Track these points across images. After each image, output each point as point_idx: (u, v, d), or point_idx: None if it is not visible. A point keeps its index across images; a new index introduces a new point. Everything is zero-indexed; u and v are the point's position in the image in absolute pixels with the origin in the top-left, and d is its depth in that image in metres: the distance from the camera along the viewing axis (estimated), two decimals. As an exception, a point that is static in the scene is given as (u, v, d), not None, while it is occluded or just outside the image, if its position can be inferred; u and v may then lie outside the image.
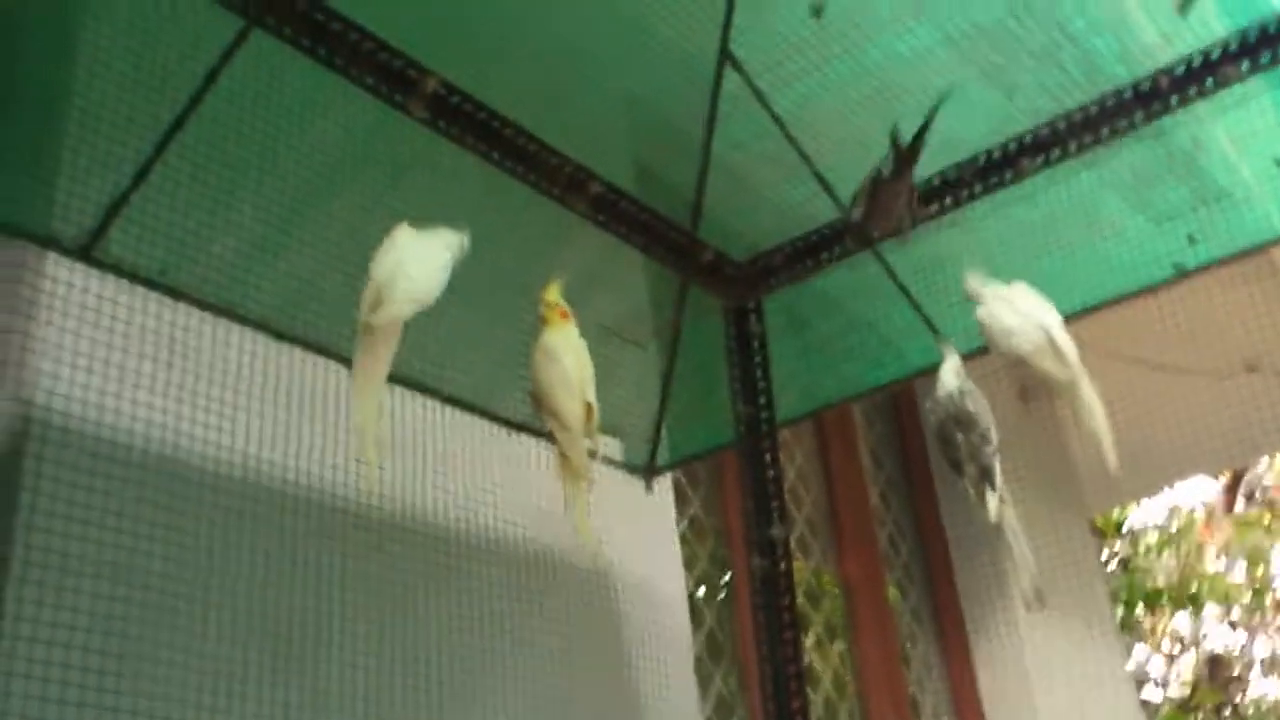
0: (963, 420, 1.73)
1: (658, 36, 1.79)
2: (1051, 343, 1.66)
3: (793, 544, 2.38)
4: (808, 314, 2.29)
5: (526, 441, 2.10)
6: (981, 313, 1.72)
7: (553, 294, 1.62)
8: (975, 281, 1.76)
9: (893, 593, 3.57)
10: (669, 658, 2.44)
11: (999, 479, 1.70)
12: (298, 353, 1.82)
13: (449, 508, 2.11)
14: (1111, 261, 1.99)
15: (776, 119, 1.90)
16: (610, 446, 2.32)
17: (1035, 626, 3.58)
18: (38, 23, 1.51)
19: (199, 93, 1.53)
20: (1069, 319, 1.70)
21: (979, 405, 1.76)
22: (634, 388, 2.24)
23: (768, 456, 2.20)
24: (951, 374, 1.78)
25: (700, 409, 2.37)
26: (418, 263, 1.41)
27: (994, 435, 1.74)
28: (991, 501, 1.70)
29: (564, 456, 1.63)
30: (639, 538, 2.47)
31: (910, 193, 1.68)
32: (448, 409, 2.05)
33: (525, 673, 2.10)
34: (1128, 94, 1.83)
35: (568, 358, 1.62)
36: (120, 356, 1.66)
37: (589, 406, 1.63)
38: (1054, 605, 3.24)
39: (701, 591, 2.89)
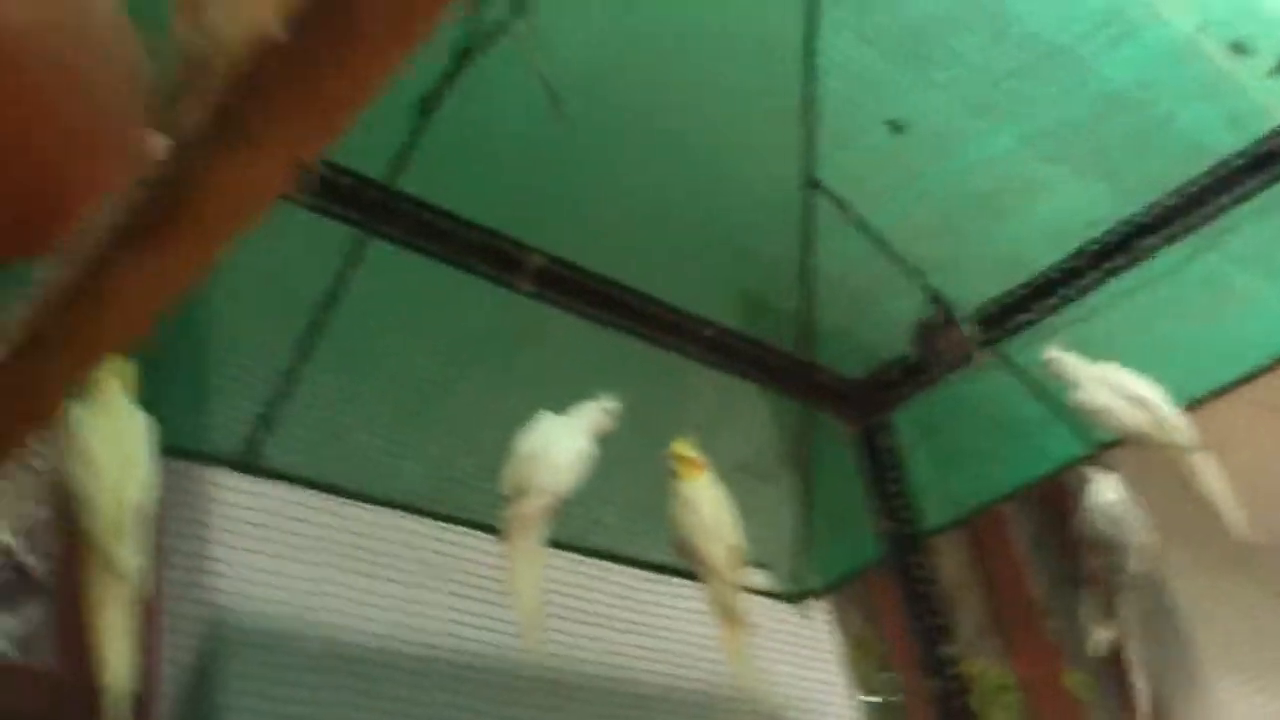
0: (1100, 541, 1.71)
1: (743, 173, 1.85)
2: (1152, 416, 1.63)
3: (960, 647, 2.34)
4: (939, 421, 2.28)
5: (674, 583, 2.14)
6: (1079, 396, 1.71)
7: (682, 447, 1.66)
8: (1062, 362, 1.75)
9: (1077, 681, 3.45)
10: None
11: (1124, 609, 1.66)
12: (450, 529, 1.89)
13: (611, 658, 2.15)
14: (1249, 333, 1.95)
15: (873, 235, 1.93)
16: (760, 578, 2.34)
17: (1236, 701, 3.43)
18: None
19: (326, 304, 1.63)
20: (1214, 395, 1.68)
21: (1126, 524, 1.73)
22: (775, 517, 2.26)
23: (920, 572, 2.18)
24: (1100, 490, 1.77)
25: (844, 529, 2.36)
26: (559, 451, 1.47)
27: (1133, 561, 1.70)
28: (1102, 632, 1.66)
29: (716, 604, 1.65)
30: (801, 665, 2.47)
31: (960, 334, 1.71)
32: (592, 561, 2.10)
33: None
34: (1238, 162, 1.79)
35: (706, 507, 1.66)
36: (289, 552, 1.76)
37: (735, 550, 1.66)
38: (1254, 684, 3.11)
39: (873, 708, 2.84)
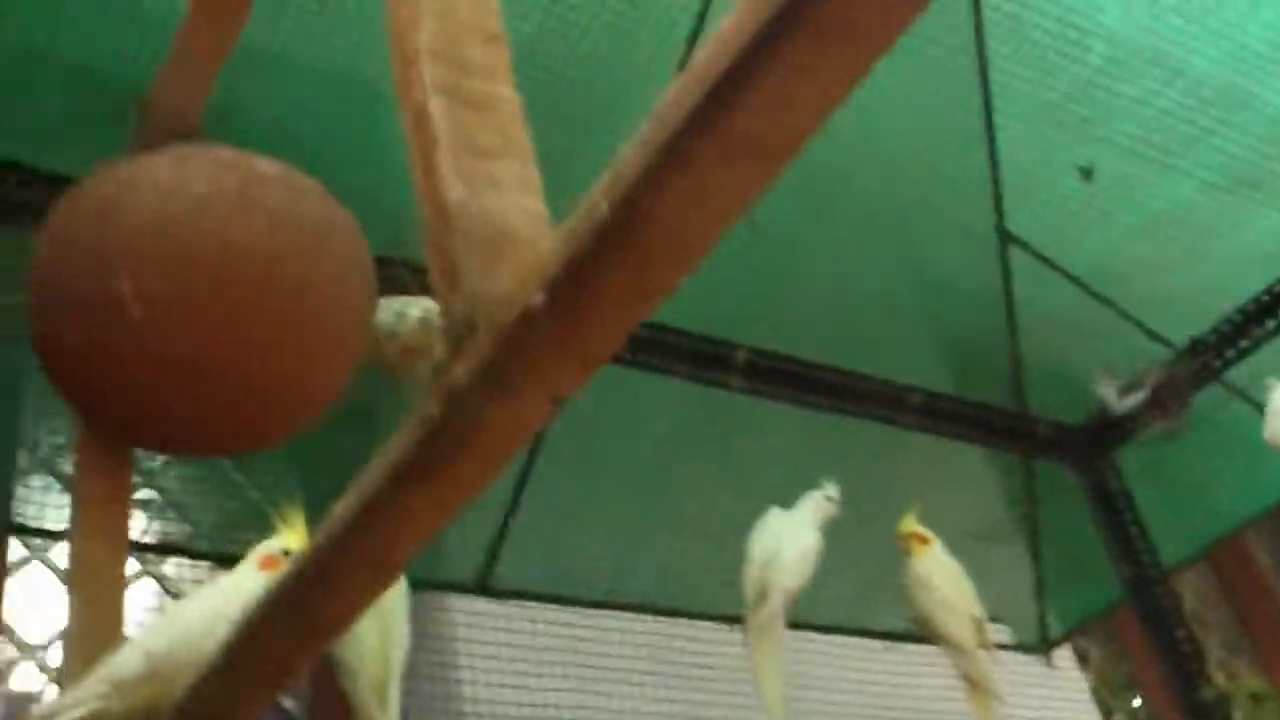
0: None
1: (936, 237, 1.85)
2: None
3: (1213, 664, 2.27)
4: (1165, 455, 2.22)
5: (906, 649, 2.13)
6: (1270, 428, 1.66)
7: (909, 524, 1.66)
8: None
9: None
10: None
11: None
12: (679, 623, 1.93)
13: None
14: None
15: (1075, 280, 1.90)
16: (1001, 633, 2.30)
17: None
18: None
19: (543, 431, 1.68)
20: None
21: None
22: (1010, 571, 2.23)
23: (1165, 607, 2.12)
24: None
25: (1081, 574, 2.31)
26: (792, 549, 1.48)
27: None
28: None
29: (966, 676, 1.64)
30: (1053, 713, 2.42)
31: (1182, 370, 1.68)
32: (818, 636, 2.10)
33: None
34: None
35: (941, 581, 1.65)
36: (527, 666, 1.82)
37: (975, 620, 1.64)
38: None
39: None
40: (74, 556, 1.17)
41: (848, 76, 0.51)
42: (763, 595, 1.47)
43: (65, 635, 1.14)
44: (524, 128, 0.72)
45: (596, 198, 0.56)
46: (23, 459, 1.74)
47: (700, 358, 1.73)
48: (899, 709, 2.19)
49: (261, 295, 1.12)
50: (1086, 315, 1.95)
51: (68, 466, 1.75)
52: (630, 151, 0.55)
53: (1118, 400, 1.83)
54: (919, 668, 2.16)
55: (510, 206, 0.67)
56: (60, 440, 1.70)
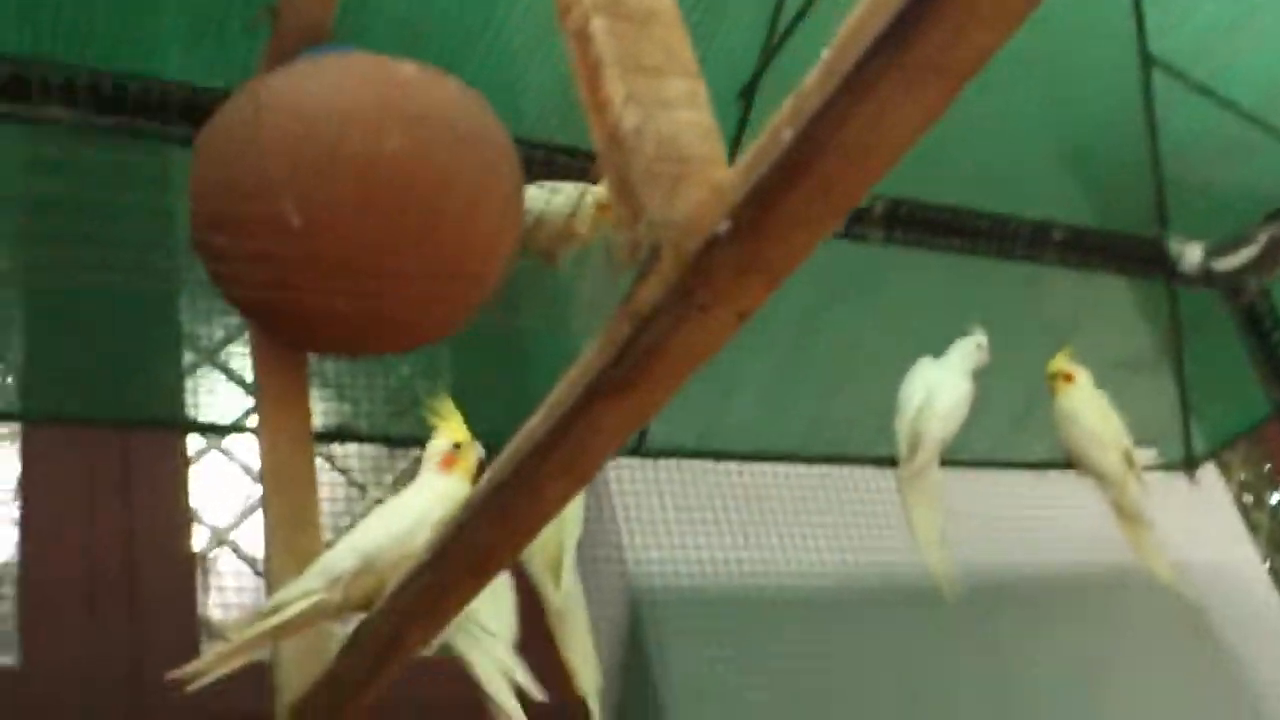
0: None
1: (1074, 64, 1.80)
2: None
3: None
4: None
5: (1052, 477, 2.14)
6: None
7: (1057, 363, 1.66)
8: None
9: None
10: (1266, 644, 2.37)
11: None
12: (832, 471, 1.97)
13: (1011, 560, 2.18)
14: None
15: (1220, 100, 1.85)
16: (1146, 455, 2.31)
17: None
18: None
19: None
20: None
21: None
22: (1155, 395, 2.22)
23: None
24: None
25: (1228, 393, 2.30)
26: (945, 398, 1.50)
27: None
28: None
29: (1117, 508, 1.66)
30: (1200, 531, 2.42)
31: None
32: (968, 472, 2.13)
33: (1133, 698, 2.11)
34: None
35: (1089, 416, 1.66)
36: (687, 521, 1.89)
37: (1126, 451, 1.65)
38: None
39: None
40: (265, 457, 1.24)
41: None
42: (915, 444, 1.49)
43: (265, 531, 1.21)
44: (685, 37, 0.73)
45: (779, 127, 0.57)
46: (188, 356, 1.81)
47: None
48: (1053, 539, 2.21)
49: (412, 196, 1.15)
50: (1233, 140, 1.90)
51: (232, 361, 1.83)
52: (812, 80, 0.56)
53: (1204, 260, 1.78)
54: (1069, 497, 2.18)
55: (682, 125, 0.68)
56: (220, 334, 1.77)
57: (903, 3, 0.51)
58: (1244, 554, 2.52)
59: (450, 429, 1.05)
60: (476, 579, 0.89)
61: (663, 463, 1.84)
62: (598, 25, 0.70)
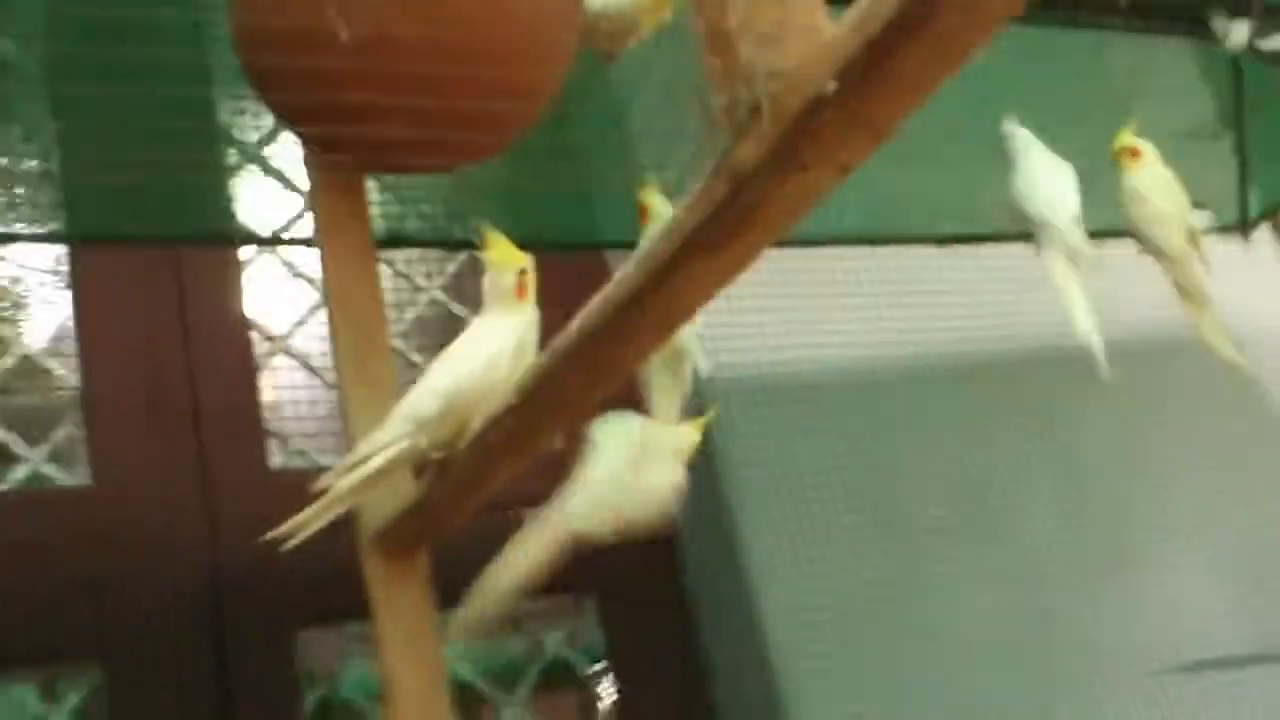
0: None
1: None
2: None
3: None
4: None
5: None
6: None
7: (1122, 139, 1.62)
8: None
9: None
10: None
11: None
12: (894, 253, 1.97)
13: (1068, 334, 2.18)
14: None
15: None
16: (1201, 218, 2.27)
17: None
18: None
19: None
20: None
21: None
22: (1212, 161, 2.16)
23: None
24: None
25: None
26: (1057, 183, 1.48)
27: None
28: None
29: (1179, 286, 1.64)
30: (1253, 294, 2.41)
31: None
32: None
33: (1186, 470, 2.14)
34: None
35: (1156, 195, 1.62)
36: (755, 305, 1.89)
37: (1193, 230, 1.63)
38: None
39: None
40: (329, 286, 1.23)
41: None
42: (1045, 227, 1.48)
43: (335, 362, 1.22)
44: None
45: (889, -15, 0.53)
46: (232, 156, 1.79)
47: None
48: (1110, 311, 2.20)
49: (466, 4, 1.11)
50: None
51: (275, 160, 1.80)
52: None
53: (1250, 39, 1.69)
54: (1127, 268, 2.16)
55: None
56: (264, 131, 1.74)
57: None
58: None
59: (506, 257, 1.02)
60: (562, 421, 0.90)
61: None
62: None
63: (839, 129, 0.60)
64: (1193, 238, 1.65)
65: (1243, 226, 2.32)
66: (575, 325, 0.79)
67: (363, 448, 0.96)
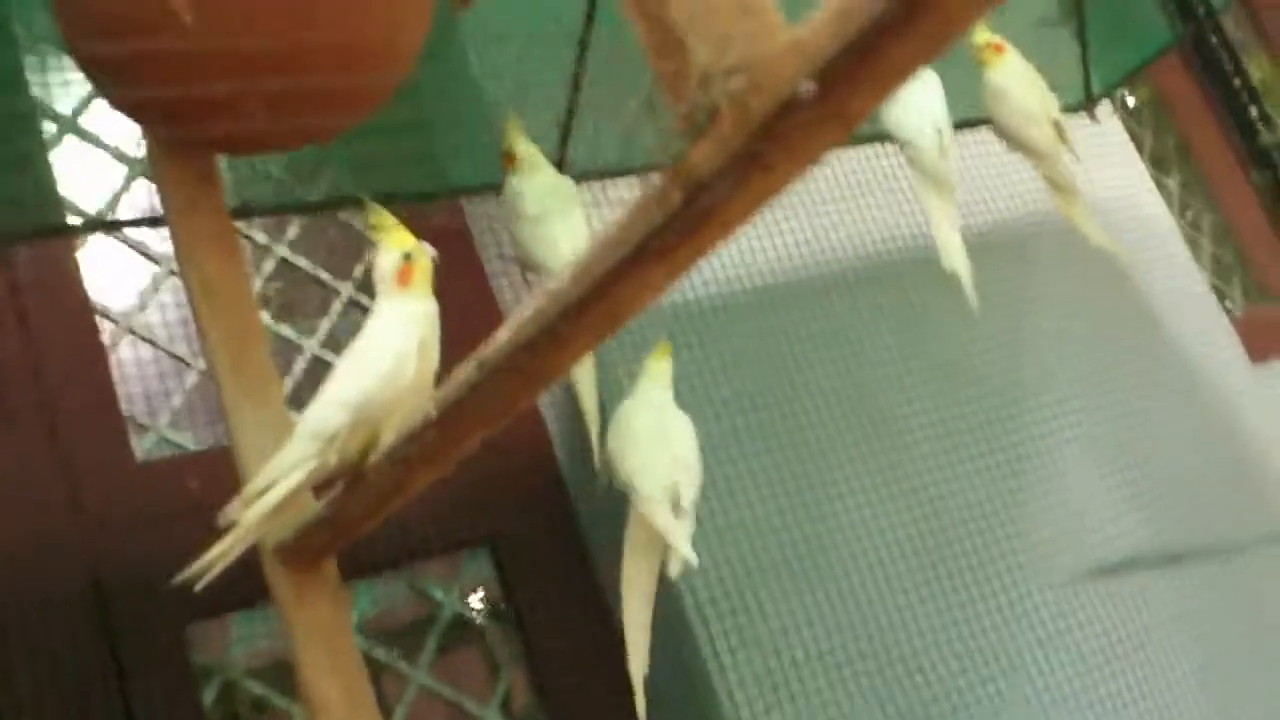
0: None
1: None
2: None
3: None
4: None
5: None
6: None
7: (980, 35, 1.59)
8: None
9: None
10: (1176, 273, 2.44)
11: None
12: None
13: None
14: None
15: None
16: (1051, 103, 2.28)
17: None
18: None
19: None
20: None
21: None
22: (1055, 42, 2.17)
23: (1222, 54, 2.08)
24: None
25: (1126, 30, 2.26)
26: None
27: None
28: None
29: (1049, 180, 1.64)
30: (1102, 168, 2.45)
31: None
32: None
33: (1066, 363, 2.18)
34: None
35: (1019, 91, 1.61)
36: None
37: (1055, 123, 1.62)
38: None
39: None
40: (190, 278, 1.13)
41: None
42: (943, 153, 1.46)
43: (206, 355, 1.13)
44: None
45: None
46: (48, 128, 1.66)
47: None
48: (972, 195, 2.20)
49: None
50: None
51: (94, 126, 1.67)
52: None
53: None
54: (987, 155, 2.16)
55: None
56: (80, 98, 1.61)
57: None
58: (1138, 178, 2.56)
59: (392, 238, 0.94)
60: (488, 429, 0.83)
61: (585, 186, 1.74)
62: None
63: (811, 128, 0.54)
64: (1059, 131, 1.64)
65: (1088, 106, 2.35)
66: (506, 337, 0.73)
67: (267, 472, 0.89)
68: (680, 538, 1.08)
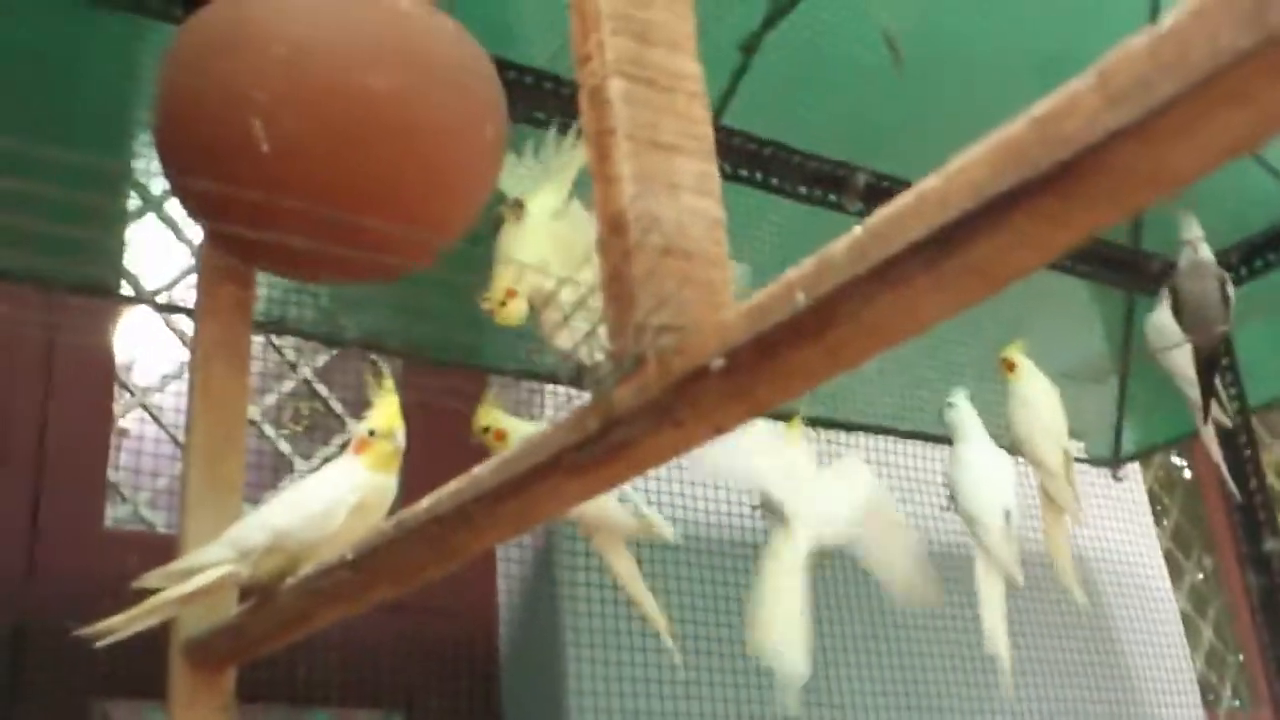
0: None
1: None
2: None
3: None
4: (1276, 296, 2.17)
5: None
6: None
7: (1013, 351, 1.66)
8: None
9: None
10: (1164, 653, 2.43)
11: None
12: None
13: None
14: None
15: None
16: (1075, 446, 2.33)
17: None
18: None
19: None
20: None
21: None
22: (1094, 393, 2.23)
23: (1245, 452, 2.12)
24: None
25: (1164, 403, 2.31)
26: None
27: None
28: None
29: (1046, 492, 1.67)
30: (1115, 531, 2.47)
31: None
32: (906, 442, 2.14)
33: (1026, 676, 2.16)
34: None
35: (1042, 405, 1.66)
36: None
37: (1066, 451, 1.67)
38: None
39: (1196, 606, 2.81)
40: (196, 371, 1.20)
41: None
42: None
43: (184, 458, 1.18)
44: (706, 111, 0.68)
45: (793, 286, 0.53)
46: (132, 203, 1.75)
47: (818, 178, 1.69)
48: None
49: (393, 136, 1.10)
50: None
51: (175, 213, 1.76)
52: (837, 254, 0.52)
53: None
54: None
55: (689, 215, 0.64)
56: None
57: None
58: (1147, 546, 2.57)
59: (378, 411, 1.01)
60: (396, 587, 0.87)
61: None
62: (615, 89, 0.65)
63: (719, 399, 0.59)
64: (1066, 457, 1.69)
65: (1114, 464, 2.39)
66: (425, 506, 0.77)
67: (189, 559, 0.93)
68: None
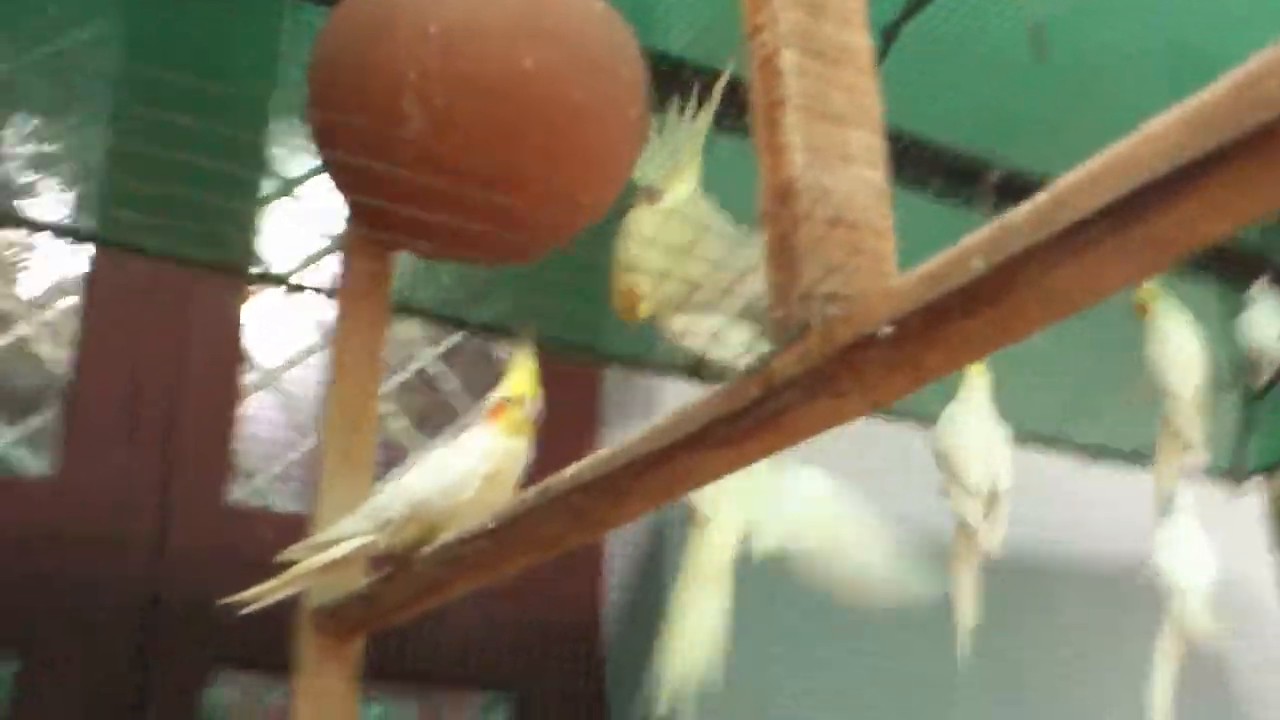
0: None
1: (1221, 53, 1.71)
2: None
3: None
4: None
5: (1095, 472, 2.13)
6: None
7: (1142, 293, 1.62)
8: None
9: None
10: (1266, 669, 2.36)
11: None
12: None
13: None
14: None
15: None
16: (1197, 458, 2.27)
17: None
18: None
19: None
20: None
21: None
22: (1220, 405, 2.18)
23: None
24: None
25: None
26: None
27: None
28: None
29: (1170, 426, 1.60)
30: (1229, 542, 2.40)
31: None
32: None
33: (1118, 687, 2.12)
34: None
35: (1182, 338, 1.62)
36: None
37: (1199, 389, 1.62)
38: None
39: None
40: (335, 352, 1.22)
41: None
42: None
43: (323, 423, 1.20)
44: (875, 84, 0.68)
45: (970, 252, 0.53)
46: (266, 186, 1.78)
47: (952, 173, 1.67)
48: (1071, 526, 2.19)
49: (542, 115, 1.11)
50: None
51: (308, 198, 1.79)
52: (1018, 219, 0.52)
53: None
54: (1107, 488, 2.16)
55: (858, 185, 0.64)
56: (307, 169, 1.74)
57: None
58: (1259, 563, 2.50)
59: (514, 379, 1.03)
60: (534, 556, 0.88)
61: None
62: (787, 60, 0.65)
63: (884, 369, 0.59)
64: (1200, 399, 1.64)
65: (1236, 475, 2.33)
66: (570, 473, 0.78)
67: (329, 531, 0.95)
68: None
